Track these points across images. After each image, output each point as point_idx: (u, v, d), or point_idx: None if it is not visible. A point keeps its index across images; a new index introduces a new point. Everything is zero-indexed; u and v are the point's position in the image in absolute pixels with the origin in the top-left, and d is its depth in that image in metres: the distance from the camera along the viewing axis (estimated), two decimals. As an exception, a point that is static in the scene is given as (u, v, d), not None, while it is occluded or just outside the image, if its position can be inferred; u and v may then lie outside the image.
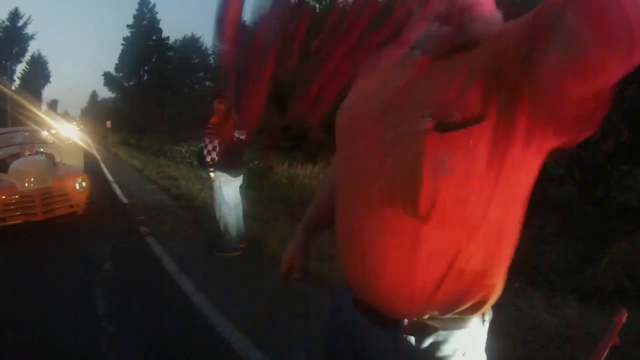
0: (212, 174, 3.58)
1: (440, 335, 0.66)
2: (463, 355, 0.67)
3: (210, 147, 3.41)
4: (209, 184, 3.76)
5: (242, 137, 3.62)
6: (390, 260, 0.64)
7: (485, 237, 0.61)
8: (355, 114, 0.72)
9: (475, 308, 0.66)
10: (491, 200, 0.60)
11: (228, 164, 3.54)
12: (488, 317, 0.71)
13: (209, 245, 3.90)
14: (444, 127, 0.57)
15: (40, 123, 10.84)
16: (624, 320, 0.91)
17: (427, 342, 0.67)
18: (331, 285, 0.86)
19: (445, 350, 0.66)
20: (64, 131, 8.01)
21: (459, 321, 0.67)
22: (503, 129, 0.57)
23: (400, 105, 0.64)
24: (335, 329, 0.83)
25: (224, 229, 3.69)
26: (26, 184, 4.44)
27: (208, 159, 3.43)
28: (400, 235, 0.62)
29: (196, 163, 4.27)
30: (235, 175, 3.68)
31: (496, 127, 0.57)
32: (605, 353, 0.84)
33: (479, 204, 0.60)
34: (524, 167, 0.60)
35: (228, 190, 3.64)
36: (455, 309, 0.65)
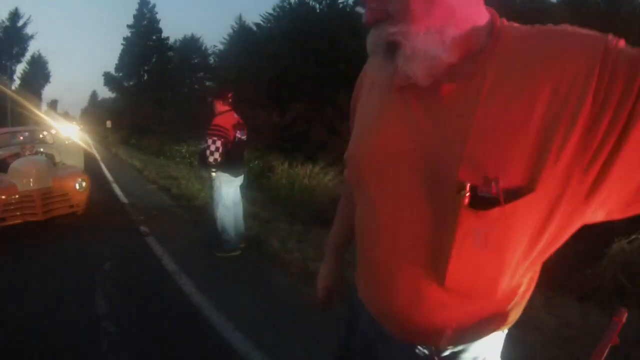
0: (213, 174, 3.58)
1: (459, 345, 0.63)
2: None
3: (212, 148, 3.42)
4: (209, 184, 3.76)
5: (244, 137, 3.63)
6: (415, 305, 0.59)
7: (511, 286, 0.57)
8: (370, 154, 0.61)
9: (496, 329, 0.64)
10: (525, 269, 0.56)
11: (230, 164, 3.55)
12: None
13: (209, 245, 3.91)
14: (482, 204, 0.49)
15: (40, 123, 10.83)
16: (624, 320, 0.91)
17: (446, 352, 0.63)
18: (347, 291, 0.86)
19: (464, 359, 0.63)
20: (64, 131, 8.00)
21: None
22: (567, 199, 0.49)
23: (435, 154, 0.53)
24: (352, 337, 0.81)
25: (221, 229, 3.70)
26: (26, 184, 4.44)
27: (211, 159, 3.43)
28: (425, 293, 0.58)
29: (196, 163, 4.25)
30: (237, 175, 3.69)
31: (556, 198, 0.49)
32: (606, 353, 0.84)
33: (512, 277, 0.55)
34: (570, 230, 0.54)
35: (228, 190, 3.65)
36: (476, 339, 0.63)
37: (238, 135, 3.56)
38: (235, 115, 3.63)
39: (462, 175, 0.49)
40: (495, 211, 0.48)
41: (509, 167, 0.47)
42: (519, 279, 0.56)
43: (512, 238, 0.50)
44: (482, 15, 0.53)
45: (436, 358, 0.62)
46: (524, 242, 0.51)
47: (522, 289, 0.60)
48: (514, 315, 0.63)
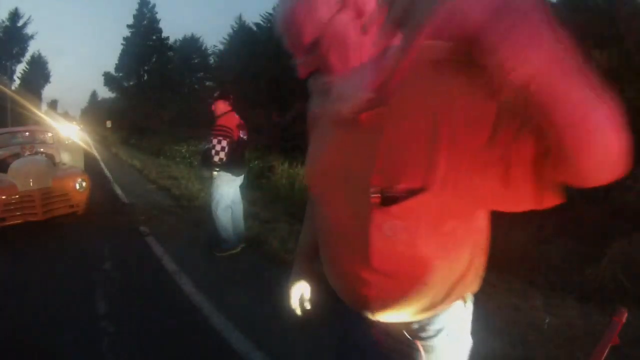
0: (215, 173, 3.59)
1: (419, 316, 0.72)
2: (447, 335, 0.73)
3: (218, 147, 3.44)
4: (210, 184, 3.78)
5: (245, 137, 3.68)
6: (359, 285, 0.73)
7: (449, 256, 0.67)
8: (318, 174, 0.79)
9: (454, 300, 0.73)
10: (450, 242, 0.66)
11: (233, 164, 3.58)
12: (470, 299, 0.76)
13: (209, 245, 3.91)
14: (388, 202, 0.63)
15: (40, 123, 10.84)
16: (624, 320, 0.91)
17: (415, 326, 0.73)
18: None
19: (429, 331, 0.72)
20: (64, 131, 8.02)
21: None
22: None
23: (356, 169, 0.68)
24: (346, 328, 0.88)
25: (220, 228, 3.72)
26: (26, 184, 4.44)
27: (216, 159, 3.45)
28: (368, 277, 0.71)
29: (197, 163, 4.29)
30: (238, 175, 3.72)
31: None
32: (606, 353, 0.84)
33: (432, 258, 0.66)
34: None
35: (228, 190, 3.67)
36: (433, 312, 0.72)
37: (241, 135, 3.60)
38: (236, 116, 3.65)
39: (373, 182, 0.64)
40: (398, 206, 0.62)
41: (408, 173, 0.61)
42: (443, 259, 0.66)
43: (414, 225, 0.64)
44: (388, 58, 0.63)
45: (405, 332, 0.73)
46: (428, 227, 0.64)
47: (459, 266, 0.69)
48: (462, 291, 0.72)
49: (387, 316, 0.73)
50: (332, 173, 0.73)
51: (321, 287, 0.99)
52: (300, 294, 1.04)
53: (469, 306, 0.76)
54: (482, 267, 0.73)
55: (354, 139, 0.69)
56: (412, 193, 0.62)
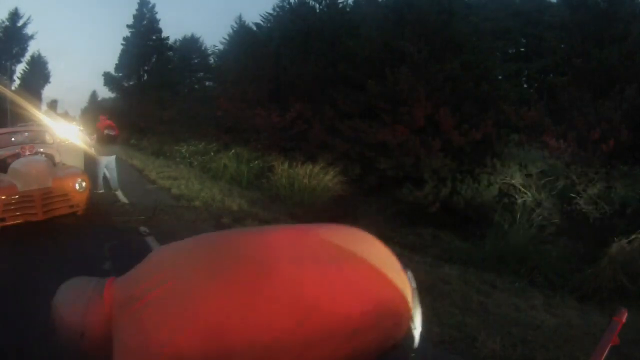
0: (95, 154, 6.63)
1: None
2: None
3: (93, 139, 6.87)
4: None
5: (112, 133, 6.62)
6: None
7: None
8: None
9: None
10: None
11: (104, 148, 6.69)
12: None
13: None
14: None
15: (40, 123, 10.82)
16: (624, 320, 0.91)
17: None
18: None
19: None
20: (64, 132, 8.02)
21: None
22: None
23: None
24: None
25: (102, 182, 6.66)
26: (26, 184, 4.44)
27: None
28: None
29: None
30: (109, 154, 6.72)
31: None
32: (606, 353, 0.84)
33: None
34: None
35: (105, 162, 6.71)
36: None
37: (107, 131, 6.60)
38: (107, 121, 6.87)
39: None
40: None
41: None
42: None
43: None
44: None
45: None
46: None
47: None
48: None
49: None
50: None
51: None
52: None
53: None
54: None
55: None
56: None
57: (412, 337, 0.93)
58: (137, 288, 0.92)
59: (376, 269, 0.90)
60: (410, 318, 0.91)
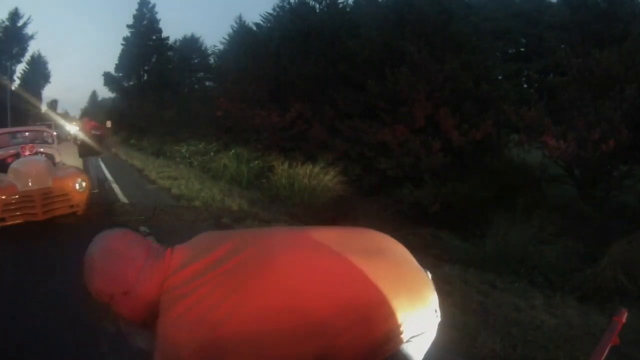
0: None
1: None
2: None
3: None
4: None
5: (98, 133, 6.90)
6: None
7: None
8: None
9: None
10: None
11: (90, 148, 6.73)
12: None
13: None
14: None
15: (57, 123, 10.85)
16: (624, 320, 0.91)
17: None
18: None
19: None
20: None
21: None
22: None
23: None
24: None
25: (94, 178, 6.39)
26: (26, 184, 4.44)
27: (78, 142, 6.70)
28: None
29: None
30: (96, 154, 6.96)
31: None
32: (606, 353, 0.84)
33: None
34: None
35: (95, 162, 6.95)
36: None
37: (94, 131, 6.80)
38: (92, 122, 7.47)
39: None
40: None
41: None
42: None
43: None
44: None
45: None
46: None
47: None
48: None
49: None
50: None
51: None
52: None
53: None
54: None
55: None
56: None
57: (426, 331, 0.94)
58: (198, 263, 0.92)
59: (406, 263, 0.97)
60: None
